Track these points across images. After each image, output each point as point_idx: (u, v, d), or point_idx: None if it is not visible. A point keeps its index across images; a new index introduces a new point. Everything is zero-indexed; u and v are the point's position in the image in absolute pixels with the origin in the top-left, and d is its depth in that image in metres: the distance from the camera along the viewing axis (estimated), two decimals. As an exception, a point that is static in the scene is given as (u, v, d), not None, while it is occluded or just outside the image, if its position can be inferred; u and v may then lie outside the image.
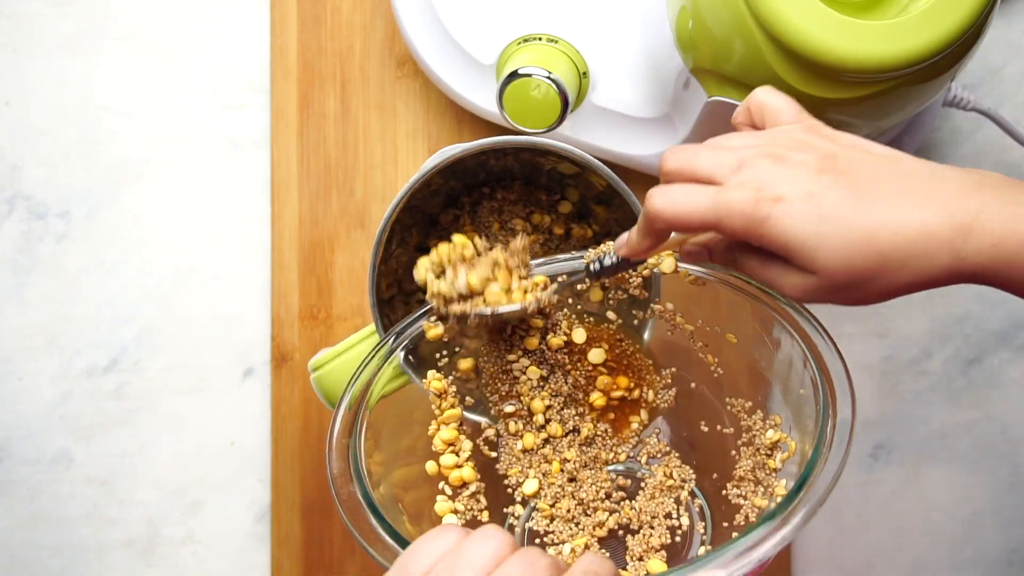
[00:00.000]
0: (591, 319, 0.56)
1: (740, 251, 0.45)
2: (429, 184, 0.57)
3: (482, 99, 0.63)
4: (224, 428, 0.68)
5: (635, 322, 0.56)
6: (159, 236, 0.68)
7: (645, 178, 0.66)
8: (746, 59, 0.51)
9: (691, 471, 0.56)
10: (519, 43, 0.60)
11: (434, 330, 0.53)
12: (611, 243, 0.51)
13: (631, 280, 0.55)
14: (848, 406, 0.46)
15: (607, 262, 0.50)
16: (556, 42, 0.59)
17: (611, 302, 0.56)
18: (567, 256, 0.54)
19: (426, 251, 0.62)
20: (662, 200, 0.43)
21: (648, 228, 0.46)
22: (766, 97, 0.46)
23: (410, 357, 0.54)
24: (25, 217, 0.68)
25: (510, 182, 0.61)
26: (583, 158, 0.55)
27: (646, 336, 0.57)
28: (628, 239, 0.48)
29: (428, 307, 0.53)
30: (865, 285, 0.41)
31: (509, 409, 0.55)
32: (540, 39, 0.60)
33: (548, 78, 0.55)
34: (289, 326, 0.66)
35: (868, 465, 0.69)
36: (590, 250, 0.52)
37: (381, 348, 0.53)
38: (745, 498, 0.52)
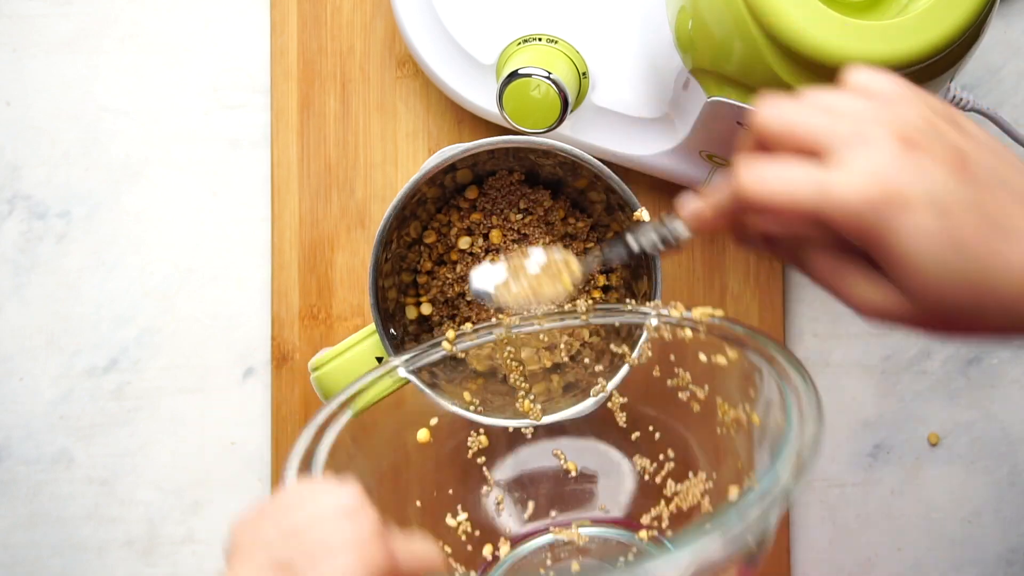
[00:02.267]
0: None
1: (814, 246, 0.37)
2: (430, 183, 0.57)
3: (482, 99, 0.63)
4: (224, 428, 0.68)
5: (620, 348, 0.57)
6: (159, 236, 0.68)
7: (645, 178, 0.66)
8: (746, 59, 0.51)
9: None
10: (519, 43, 0.60)
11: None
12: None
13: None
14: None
15: (647, 242, 0.43)
16: (556, 42, 0.59)
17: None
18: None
19: (425, 247, 0.62)
20: (751, 177, 0.35)
21: (729, 206, 0.38)
22: (868, 80, 0.38)
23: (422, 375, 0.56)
24: (25, 217, 0.68)
25: (507, 175, 0.61)
26: (583, 158, 0.55)
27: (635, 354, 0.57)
28: (696, 210, 0.40)
29: (439, 339, 0.56)
30: (960, 320, 0.35)
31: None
32: (540, 39, 0.60)
33: (548, 78, 0.55)
34: (289, 326, 0.66)
35: (868, 465, 0.69)
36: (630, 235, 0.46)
37: (390, 370, 0.54)
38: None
